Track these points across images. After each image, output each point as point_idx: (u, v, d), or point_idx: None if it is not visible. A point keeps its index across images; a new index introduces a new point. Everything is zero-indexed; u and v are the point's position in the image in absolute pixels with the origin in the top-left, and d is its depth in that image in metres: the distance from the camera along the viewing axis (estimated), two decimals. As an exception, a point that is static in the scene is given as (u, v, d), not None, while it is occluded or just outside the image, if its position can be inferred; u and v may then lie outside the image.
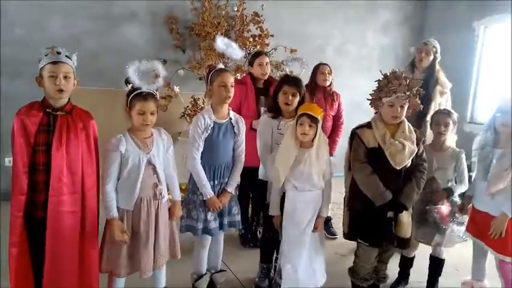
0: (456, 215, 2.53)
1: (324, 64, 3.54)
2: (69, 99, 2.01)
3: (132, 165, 2.06)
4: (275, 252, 2.70)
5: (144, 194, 2.10)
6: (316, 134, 2.28)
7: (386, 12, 5.85)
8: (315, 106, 2.34)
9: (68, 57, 1.95)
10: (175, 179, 2.28)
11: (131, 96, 2.07)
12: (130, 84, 2.09)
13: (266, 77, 3.32)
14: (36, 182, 1.92)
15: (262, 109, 3.14)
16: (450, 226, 2.50)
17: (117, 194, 2.08)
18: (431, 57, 3.33)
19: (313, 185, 2.33)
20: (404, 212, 2.32)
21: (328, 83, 3.51)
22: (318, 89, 3.48)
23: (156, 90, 2.16)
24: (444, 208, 2.53)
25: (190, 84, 4.52)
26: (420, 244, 2.67)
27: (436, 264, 2.71)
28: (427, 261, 2.75)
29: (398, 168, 2.26)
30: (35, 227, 1.93)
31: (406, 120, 2.36)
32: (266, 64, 3.29)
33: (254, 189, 3.33)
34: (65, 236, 1.94)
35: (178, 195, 2.30)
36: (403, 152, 2.25)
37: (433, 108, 3.15)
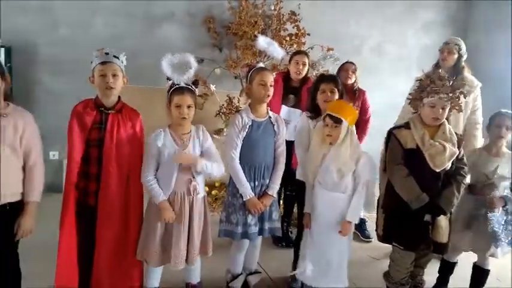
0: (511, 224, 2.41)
1: (349, 62, 3.52)
2: (119, 97, 2.15)
3: (167, 160, 2.12)
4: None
5: (178, 188, 2.15)
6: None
7: (428, 12, 5.66)
8: (344, 105, 2.29)
9: (116, 57, 2.09)
10: (219, 164, 2.24)
11: (171, 91, 2.15)
12: (171, 81, 2.16)
13: (300, 76, 3.30)
14: (89, 173, 2.09)
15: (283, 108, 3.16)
16: (503, 235, 2.38)
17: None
18: (456, 56, 3.21)
19: (336, 184, 2.26)
20: (442, 216, 2.25)
21: (350, 81, 3.46)
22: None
23: (195, 86, 2.20)
24: (500, 217, 2.40)
25: (226, 83, 4.56)
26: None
27: (480, 275, 2.59)
28: (469, 269, 2.63)
29: (438, 170, 2.19)
30: (86, 213, 2.09)
31: (446, 122, 2.28)
32: (303, 64, 3.27)
33: (286, 188, 3.33)
34: (113, 222, 2.11)
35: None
36: (444, 154, 2.18)
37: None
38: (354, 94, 3.48)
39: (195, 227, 2.20)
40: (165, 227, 2.17)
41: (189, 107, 2.13)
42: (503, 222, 2.40)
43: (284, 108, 3.22)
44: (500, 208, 2.43)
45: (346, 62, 3.53)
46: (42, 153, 2.03)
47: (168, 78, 2.18)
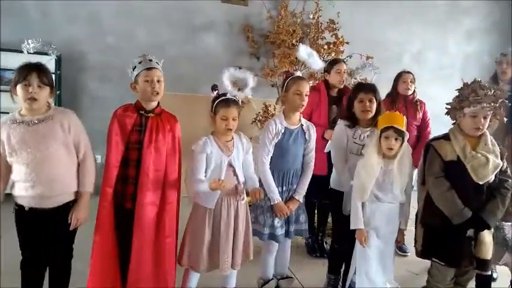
0: None
1: (407, 72, 3.44)
2: (158, 102, 2.20)
3: (214, 166, 2.17)
4: (343, 265, 2.64)
5: (225, 194, 2.19)
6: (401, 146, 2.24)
7: (471, 18, 5.48)
8: (398, 115, 2.26)
9: (158, 64, 2.15)
10: (256, 180, 2.33)
11: (216, 102, 2.19)
12: (216, 91, 2.21)
13: (342, 85, 3.28)
14: (127, 176, 2.13)
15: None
16: None
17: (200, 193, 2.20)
18: None
19: (394, 197, 2.28)
20: (486, 230, 2.17)
21: (410, 92, 3.39)
22: (398, 98, 3.37)
23: (214, 90, 2.25)
24: None
25: (262, 91, 4.58)
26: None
27: None
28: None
29: (481, 183, 2.11)
30: (123, 216, 2.13)
31: (488, 133, 2.21)
32: (344, 72, 3.25)
33: (321, 198, 3.30)
34: (148, 226, 2.12)
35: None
36: (487, 166, 2.10)
37: None
38: (415, 106, 3.41)
39: (240, 231, 2.24)
40: (212, 233, 2.20)
41: (234, 119, 2.18)
42: None
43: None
44: None
45: (403, 72, 3.45)
46: (90, 147, 2.11)
47: (214, 88, 2.22)
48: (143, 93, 2.12)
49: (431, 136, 3.41)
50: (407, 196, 2.32)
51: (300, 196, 2.48)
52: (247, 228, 2.32)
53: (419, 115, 3.40)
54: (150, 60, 2.12)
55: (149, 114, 2.15)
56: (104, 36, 4.39)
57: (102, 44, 4.38)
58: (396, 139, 2.21)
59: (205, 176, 2.17)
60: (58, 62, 4.13)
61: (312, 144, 2.50)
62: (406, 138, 2.24)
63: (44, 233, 2.01)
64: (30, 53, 2.27)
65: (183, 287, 2.31)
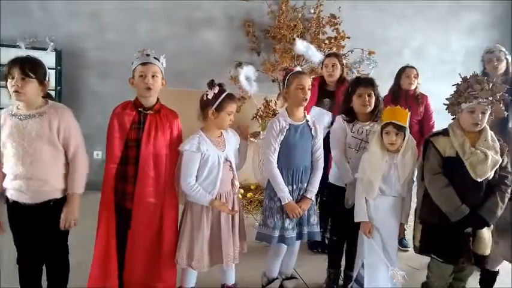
0: None
1: (411, 67, 3.42)
2: (158, 99, 2.18)
3: (211, 164, 2.15)
4: (344, 259, 2.64)
5: (222, 189, 2.20)
6: (404, 140, 2.24)
7: (473, 14, 5.45)
8: (400, 110, 2.25)
9: (156, 59, 2.13)
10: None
11: (222, 97, 2.16)
12: (215, 87, 2.17)
13: (332, 79, 3.25)
14: (127, 175, 2.11)
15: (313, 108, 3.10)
16: None
17: None
18: (505, 62, 3.09)
19: (397, 190, 2.29)
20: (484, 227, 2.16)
21: (413, 87, 3.38)
22: (400, 93, 3.35)
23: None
24: None
25: (263, 86, 4.56)
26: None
27: None
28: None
29: (479, 180, 2.09)
30: (123, 216, 2.11)
31: (488, 128, 2.17)
32: (333, 66, 3.22)
33: (322, 194, 3.30)
34: (147, 225, 2.11)
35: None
36: (486, 163, 2.08)
37: None
38: (417, 100, 3.40)
39: (236, 224, 2.26)
40: (211, 228, 2.19)
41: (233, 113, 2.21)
42: None
43: (314, 109, 3.13)
44: None
45: (407, 67, 3.43)
46: (83, 145, 2.05)
47: (212, 85, 2.18)
48: (138, 88, 2.11)
49: (435, 130, 3.44)
50: (409, 189, 2.33)
51: (312, 194, 2.40)
52: (241, 220, 2.32)
53: (421, 109, 3.39)
54: (148, 55, 2.10)
55: (148, 112, 2.13)
56: (104, 32, 4.38)
57: (102, 39, 4.38)
58: (397, 134, 2.21)
59: (200, 175, 2.14)
60: (58, 57, 4.12)
61: (320, 140, 2.45)
62: (407, 133, 2.23)
63: (34, 229, 1.99)
64: (28, 48, 2.24)
65: (182, 286, 2.30)
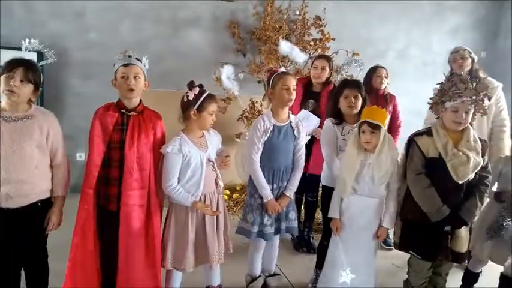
0: None
1: (381, 67, 3.46)
2: (140, 100, 2.17)
3: (195, 165, 2.14)
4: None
5: (206, 190, 2.19)
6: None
7: (456, 15, 5.54)
8: (375, 109, 2.26)
9: (139, 60, 2.11)
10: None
11: (203, 98, 2.15)
12: (195, 88, 2.16)
13: (318, 80, 3.27)
14: (110, 177, 2.09)
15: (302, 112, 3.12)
16: None
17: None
18: (469, 61, 3.14)
19: (373, 191, 2.27)
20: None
21: (383, 86, 3.42)
22: (371, 92, 3.39)
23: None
24: None
25: (249, 87, 4.58)
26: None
27: (507, 285, 2.50)
28: (496, 280, 2.55)
29: (460, 182, 2.12)
30: (107, 219, 2.09)
31: (471, 128, 2.19)
32: (322, 68, 3.24)
33: (307, 194, 3.32)
34: (135, 228, 2.09)
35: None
36: (467, 165, 2.09)
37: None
38: (386, 99, 3.43)
39: (221, 224, 2.25)
40: (196, 229, 2.19)
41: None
42: None
43: (303, 112, 3.16)
44: None
45: (378, 67, 3.47)
46: (66, 151, 2.10)
47: (192, 86, 2.18)
48: (120, 90, 2.10)
49: (401, 130, 3.48)
50: (391, 192, 2.30)
51: (291, 193, 2.47)
52: (226, 220, 2.33)
53: (390, 108, 3.42)
54: (129, 56, 2.09)
55: (131, 113, 2.11)
56: (87, 32, 4.32)
57: (85, 40, 4.31)
58: (372, 133, 2.21)
59: (183, 177, 2.13)
60: (40, 58, 4.04)
61: (302, 141, 2.50)
62: (382, 132, 2.22)
63: (15, 232, 1.96)
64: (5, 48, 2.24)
65: (167, 287, 2.29)
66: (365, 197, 2.28)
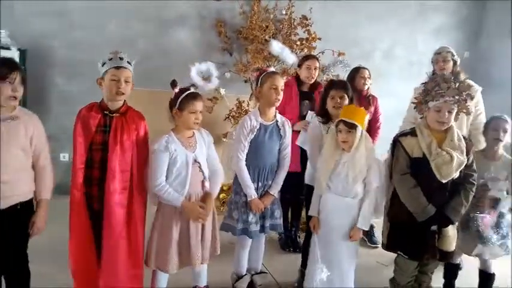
0: (502, 227, 2.43)
1: (364, 68, 3.49)
2: (124, 101, 2.15)
3: (180, 164, 2.14)
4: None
5: (192, 190, 2.18)
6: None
7: (439, 16, 5.62)
8: (352, 108, 2.28)
9: (129, 63, 2.09)
10: (219, 173, 2.31)
11: (182, 96, 2.15)
12: (177, 87, 2.18)
13: (312, 81, 3.31)
14: (92, 178, 2.09)
15: (309, 113, 3.11)
16: (493, 237, 2.39)
17: None
18: (451, 63, 3.18)
19: (347, 189, 2.26)
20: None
21: (366, 87, 3.45)
22: (353, 93, 3.41)
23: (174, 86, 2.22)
24: (489, 218, 2.42)
25: (235, 86, 4.59)
26: (470, 258, 2.56)
27: (485, 279, 2.57)
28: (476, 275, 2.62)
29: (444, 181, 2.15)
30: (93, 218, 2.10)
31: (454, 127, 2.22)
32: (315, 68, 3.27)
33: (295, 194, 3.34)
34: (117, 228, 2.09)
35: (215, 190, 2.29)
36: (451, 164, 2.12)
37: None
38: (368, 100, 3.46)
39: (207, 226, 2.24)
40: (180, 230, 2.18)
41: (200, 112, 2.17)
42: (493, 224, 2.42)
43: (310, 114, 3.09)
44: (492, 210, 2.44)
45: (361, 67, 3.49)
46: (50, 154, 2.08)
47: (174, 84, 2.18)
48: (108, 92, 2.07)
49: (380, 131, 3.53)
50: (367, 192, 2.28)
51: (275, 191, 2.49)
52: (214, 222, 2.32)
53: (371, 109, 3.45)
54: (121, 59, 2.06)
55: (114, 114, 2.10)
56: (72, 30, 4.26)
57: (70, 38, 4.25)
58: (349, 132, 2.21)
59: (170, 175, 2.14)
60: (23, 56, 3.98)
61: (288, 140, 2.52)
62: (359, 131, 2.22)
63: None
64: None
65: (152, 283, 2.28)
66: (339, 196, 2.29)
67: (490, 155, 2.48)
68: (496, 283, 2.62)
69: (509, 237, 2.44)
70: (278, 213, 2.56)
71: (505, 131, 2.46)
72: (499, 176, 2.46)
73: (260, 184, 2.45)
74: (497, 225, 2.43)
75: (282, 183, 2.53)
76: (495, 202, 2.45)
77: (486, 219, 2.41)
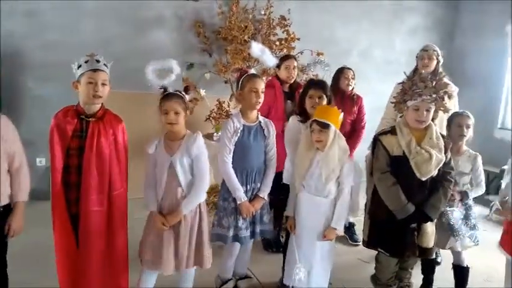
0: (470, 218, 2.51)
1: (348, 68, 3.50)
2: (102, 104, 2.11)
3: (159, 167, 2.14)
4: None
5: (167, 196, 2.16)
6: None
7: (415, 16, 5.74)
8: (325, 108, 2.30)
9: (106, 66, 2.05)
10: (197, 189, 2.18)
11: (160, 98, 2.15)
12: (162, 88, 2.16)
13: (292, 81, 3.31)
14: (69, 182, 2.05)
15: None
16: (463, 229, 2.46)
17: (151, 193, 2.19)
18: (435, 62, 3.25)
19: (320, 189, 2.27)
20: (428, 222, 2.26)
21: (350, 88, 3.47)
22: (337, 93, 3.44)
23: (187, 92, 2.23)
24: (457, 211, 2.50)
25: (215, 87, 4.56)
26: (448, 253, 2.61)
27: (460, 273, 2.63)
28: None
29: (423, 179, 2.18)
30: (72, 221, 2.06)
31: (433, 125, 2.26)
32: (293, 68, 3.28)
33: (277, 194, 3.33)
34: (93, 232, 2.07)
35: (186, 205, 2.16)
36: (430, 162, 2.16)
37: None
38: (352, 100, 3.47)
39: (182, 234, 2.17)
40: (157, 233, 2.16)
41: (176, 113, 2.11)
42: (462, 217, 2.49)
43: None
44: (460, 203, 2.51)
45: (345, 68, 3.49)
46: (25, 155, 2.05)
47: (162, 87, 2.18)
48: (85, 95, 2.02)
49: (371, 132, 3.55)
50: (341, 191, 2.29)
51: (264, 194, 2.45)
52: (200, 234, 2.24)
53: (355, 109, 3.47)
54: (98, 61, 2.01)
55: (90, 119, 2.05)
56: (44, 31, 4.13)
57: (42, 39, 4.12)
58: (321, 131, 2.22)
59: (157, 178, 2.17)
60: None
61: (272, 140, 2.49)
62: (332, 130, 2.23)
63: None
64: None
65: (139, 286, 2.25)
66: (313, 195, 2.29)
67: (454, 151, 2.52)
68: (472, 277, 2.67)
69: (477, 228, 2.53)
70: (267, 218, 2.52)
71: (468, 127, 2.55)
72: (465, 170, 2.53)
73: (248, 187, 2.41)
74: (465, 217, 2.51)
75: (271, 186, 2.49)
76: (462, 195, 2.52)
77: (455, 212, 2.48)
